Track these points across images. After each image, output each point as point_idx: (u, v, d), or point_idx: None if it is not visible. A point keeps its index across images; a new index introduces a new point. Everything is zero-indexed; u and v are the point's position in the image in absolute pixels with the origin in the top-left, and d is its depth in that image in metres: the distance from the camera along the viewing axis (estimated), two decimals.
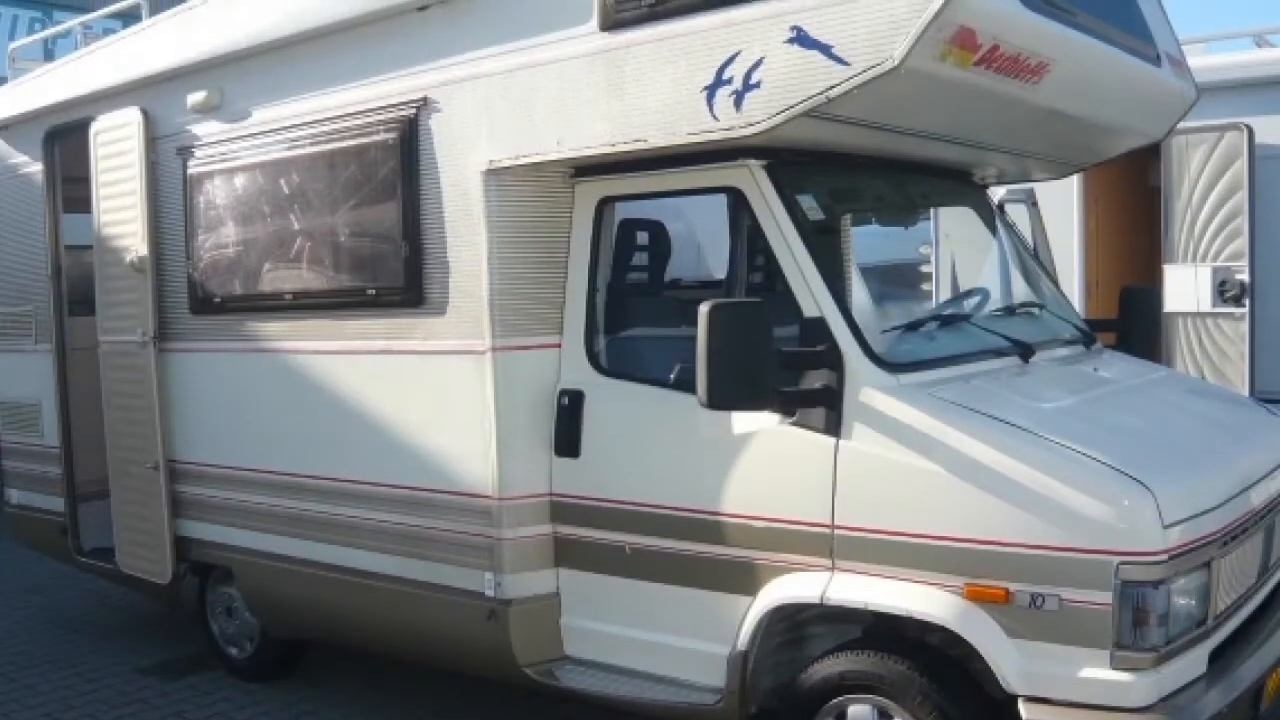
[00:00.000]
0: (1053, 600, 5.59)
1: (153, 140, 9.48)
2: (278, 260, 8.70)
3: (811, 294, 6.45)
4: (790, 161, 6.81)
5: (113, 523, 10.31)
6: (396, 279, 7.83)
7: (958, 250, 11.22)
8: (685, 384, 6.31)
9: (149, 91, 9.55)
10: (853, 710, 6.23)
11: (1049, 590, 5.60)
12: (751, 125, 6.16)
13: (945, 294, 12.11)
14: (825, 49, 5.87)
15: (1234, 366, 11.47)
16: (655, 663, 7.07)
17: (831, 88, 5.87)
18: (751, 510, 6.54)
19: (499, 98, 7.20)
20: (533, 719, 8.73)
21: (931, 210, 11.57)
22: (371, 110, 7.88)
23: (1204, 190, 11.60)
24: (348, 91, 8.03)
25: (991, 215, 8.81)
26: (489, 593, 7.46)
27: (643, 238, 8.05)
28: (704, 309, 5.93)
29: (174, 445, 9.59)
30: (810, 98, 5.93)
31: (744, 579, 6.59)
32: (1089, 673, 5.57)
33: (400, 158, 7.72)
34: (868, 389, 6.21)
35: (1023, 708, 5.72)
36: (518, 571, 7.41)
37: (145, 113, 9.48)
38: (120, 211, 9.76)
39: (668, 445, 6.98)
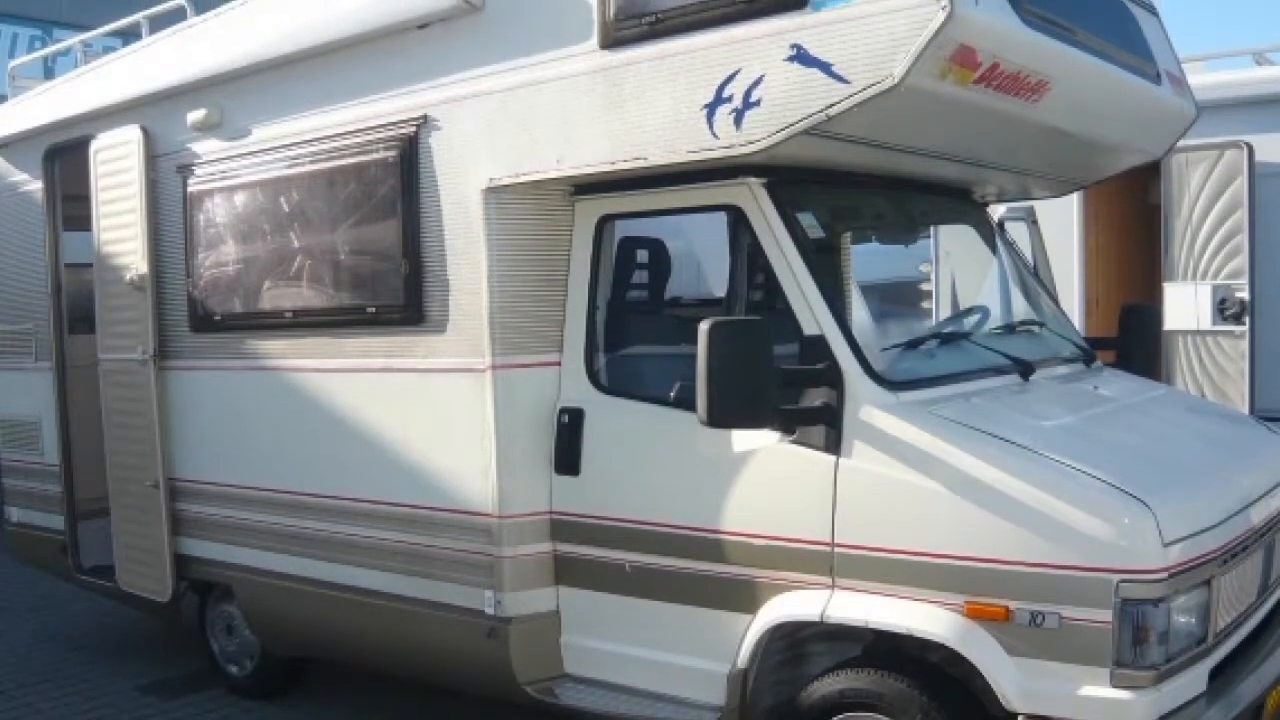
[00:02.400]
0: (1053, 618, 5.59)
1: (152, 158, 9.48)
2: (278, 278, 8.70)
3: (811, 312, 6.45)
4: (790, 180, 6.82)
5: (112, 540, 10.30)
6: (397, 297, 7.83)
7: (958, 268, 11.24)
8: (685, 402, 6.30)
9: (149, 109, 9.56)
10: None
11: (1049, 608, 5.60)
12: (751, 143, 6.16)
13: (945, 312, 12.12)
14: (825, 67, 5.87)
15: (1234, 384, 11.46)
16: (655, 681, 7.07)
17: (831, 105, 5.87)
18: (751, 528, 6.54)
19: (499, 116, 7.21)
20: None
21: (931, 228, 11.58)
22: (371, 128, 7.89)
23: (1204, 208, 11.59)
24: (348, 109, 8.04)
25: (991, 233, 8.82)
26: (489, 611, 7.45)
27: (643, 256, 8.05)
28: (704, 327, 5.93)
29: (174, 463, 9.59)
30: (810, 116, 5.94)
31: (744, 597, 6.58)
32: (1089, 690, 5.56)
33: (400, 176, 7.73)
34: (868, 407, 6.21)
35: None
36: (518, 589, 7.41)
37: (145, 131, 9.49)
38: (120, 229, 9.77)
39: (668, 463, 6.98)
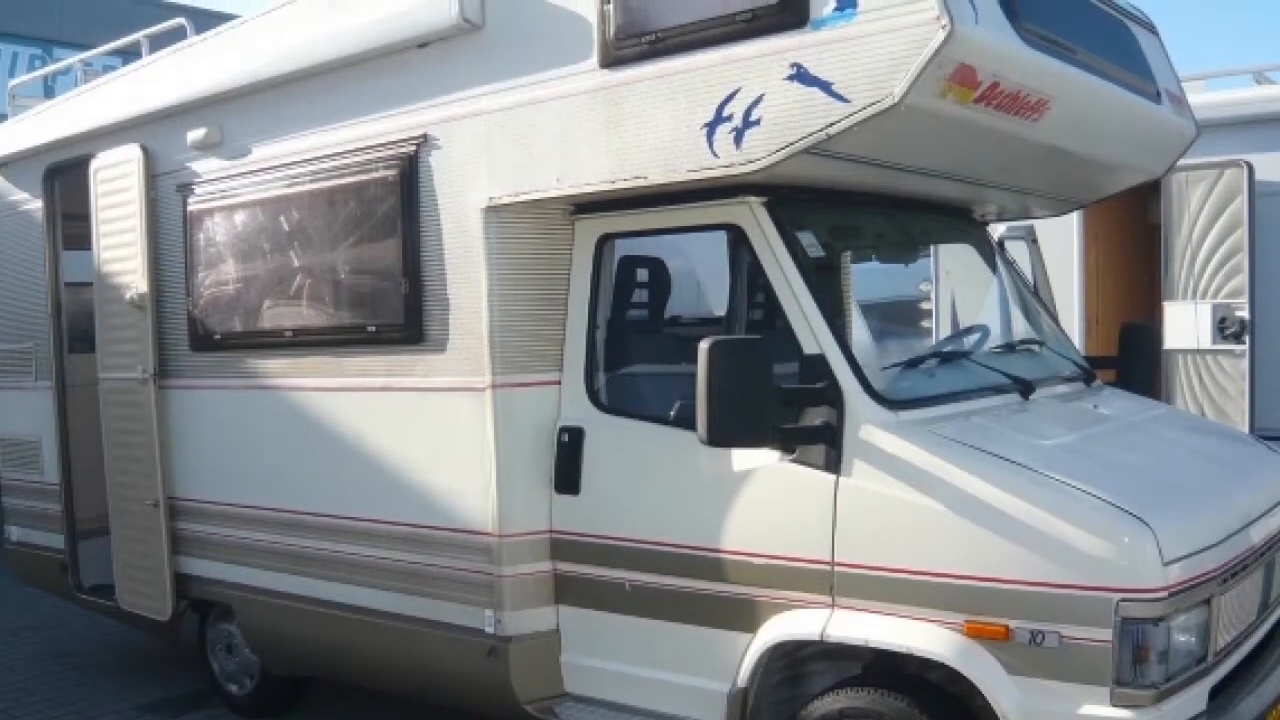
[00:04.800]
0: (1053, 637, 5.58)
1: (153, 177, 9.49)
2: (278, 297, 8.70)
3: (811, 331, 6.45)
4: (790, 199, 6.82)
5: (113, 560, 10.29)
6: (396, 316, 7.83)
7: (958, 287, 11.26)
8: (685, 421, 6.31)
9: (149, 128, 9.57)
10: None
11: (1049, 627, 5.59)
12: (751, 162, 6.16)
13: (945, 331, 12.12)
14: (825, 86, 5.88)
15: (1234, 403, 11.46)
16: (655, 700, 7.06)
17: (831, 124, 5.87)
18: (751, 547, 6.53)
19: (499, 134, 7.22)
20: None
21: (931, 247, 11.60)
22: (371, 147, 7.90)
23: (1204, 227, 11.60)
24: (348, 128, 8.04)
25: (991, 252, 8.81)
26: (489, 630, 7.45)
27: (643, 274, 8.05)
28: (704, 346, 5.93)
29: (174, 482, 9.59)
30: (810, 134, 5.94)
31: (744, 616, 6.57)
32: (1089, 710, 5.55)
33: (400, 194, 7.73)
34: (868, 426, 6.20)
35: None
36: (518, 608, 7.40)
37: (145, 150, 9.50)
38: (120, 248, 9.77)
39: (667, 482, 6.97)
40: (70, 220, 10.74)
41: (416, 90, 7.65)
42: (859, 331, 7.09)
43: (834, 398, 6.29)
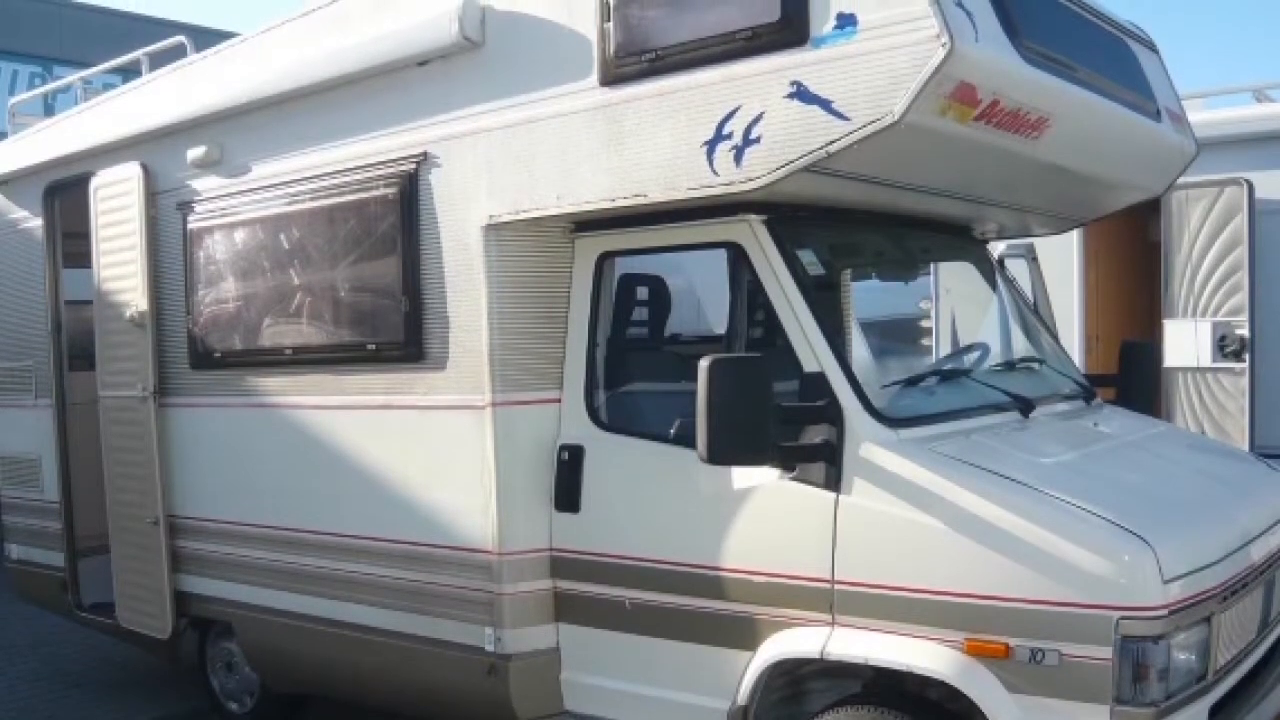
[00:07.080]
0: (1053, 655, 5.57)
1: (152, 195, 9.49)
2: (278, 315, 8.70)
3: (811, 349, 6.44)
4: (790, 217, 6.82)
5: (113, 578, 10.28)
6: (396, 334, 7.83)
7: (958, 305, 11.24)
8: (685, 439, 6.30)
9: (149, 146, 9.57)
10: None
11: (1049, 645, 5.58)
12: (751, 180, 6.16)
13: (945, 349, 12.10)
14: (825, 104, 5.87)
15: (1234, 421, 11.45)
16: (655, 717, 7.04)
17: (831, 143, 5.87)
18: (751, 565, 6.51)
19: (499, 153, 7.22)
20: None
21: (931, 265, 11.58)
22: (371, 165, 7.90)
23: (1204, 245, 11.60)
24: (348, 146, 8.04)
25: (991, 270, 8.81)
26: (489, 648, 7.44)
27: (643, 292, 8.05)
28: (704, 364, 5.92)
29: (174, 500, 9.58)
30: (810, 153, 5.94)
31: (744, 634, 6.56)
32: None
33: (400, 213, 7.73)
34: (868, 444, 6.19)
35: None
36: (518, 626, 7.39)
37: (145, 168, 9.50)
38: (120, 266, 9.77)
39: (668, 500, 6.95)
40: (70, 238, 10.74)
41: (416, 108, 7.65)
42: (859, 349, 7.08)
43: (834, 416, 6.28)
